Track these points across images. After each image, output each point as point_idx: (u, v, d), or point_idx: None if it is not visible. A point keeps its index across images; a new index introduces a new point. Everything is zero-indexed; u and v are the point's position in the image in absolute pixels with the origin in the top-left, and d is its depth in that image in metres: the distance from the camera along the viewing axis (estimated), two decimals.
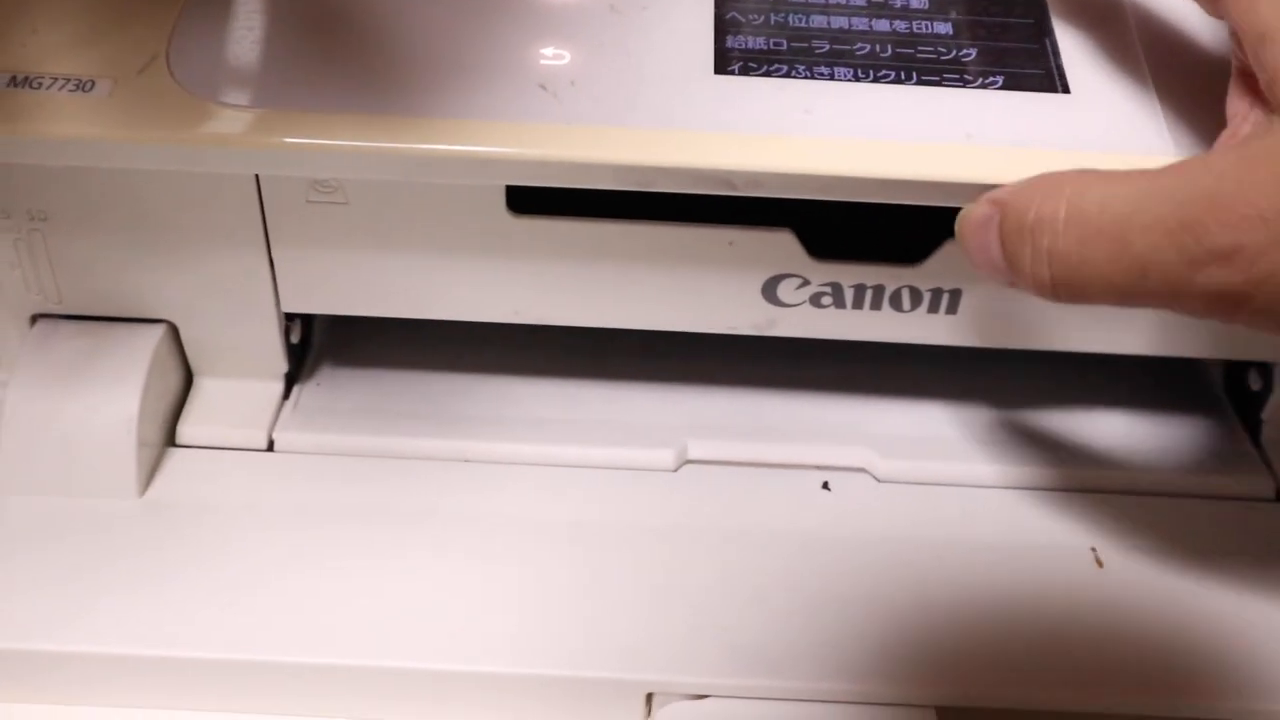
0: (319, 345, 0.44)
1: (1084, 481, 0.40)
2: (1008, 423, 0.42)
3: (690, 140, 0.33)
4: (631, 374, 0.43)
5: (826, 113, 0.34)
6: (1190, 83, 0.35)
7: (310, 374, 0.43)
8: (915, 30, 0.36)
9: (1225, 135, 0.31)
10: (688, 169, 0.33)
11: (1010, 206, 0.28)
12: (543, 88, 0.34)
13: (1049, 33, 0.36)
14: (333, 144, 0.33)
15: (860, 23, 0.36)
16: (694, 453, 0.40)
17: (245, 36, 0.35)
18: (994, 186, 0.33)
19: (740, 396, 0.43)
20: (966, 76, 0.35)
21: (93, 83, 0.34)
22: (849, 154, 0.33)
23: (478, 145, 0.33)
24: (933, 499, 0.40)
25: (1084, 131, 0.34)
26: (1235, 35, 0.29)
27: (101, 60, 0.35)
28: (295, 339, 0.41)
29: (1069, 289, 0.27)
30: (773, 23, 0.36)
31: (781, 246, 0.37)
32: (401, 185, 0.36)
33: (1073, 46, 0.36)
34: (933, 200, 0.34)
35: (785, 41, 0.36)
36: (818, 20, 0.36)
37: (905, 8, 0.37)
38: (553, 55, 0.35)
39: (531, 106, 0.34)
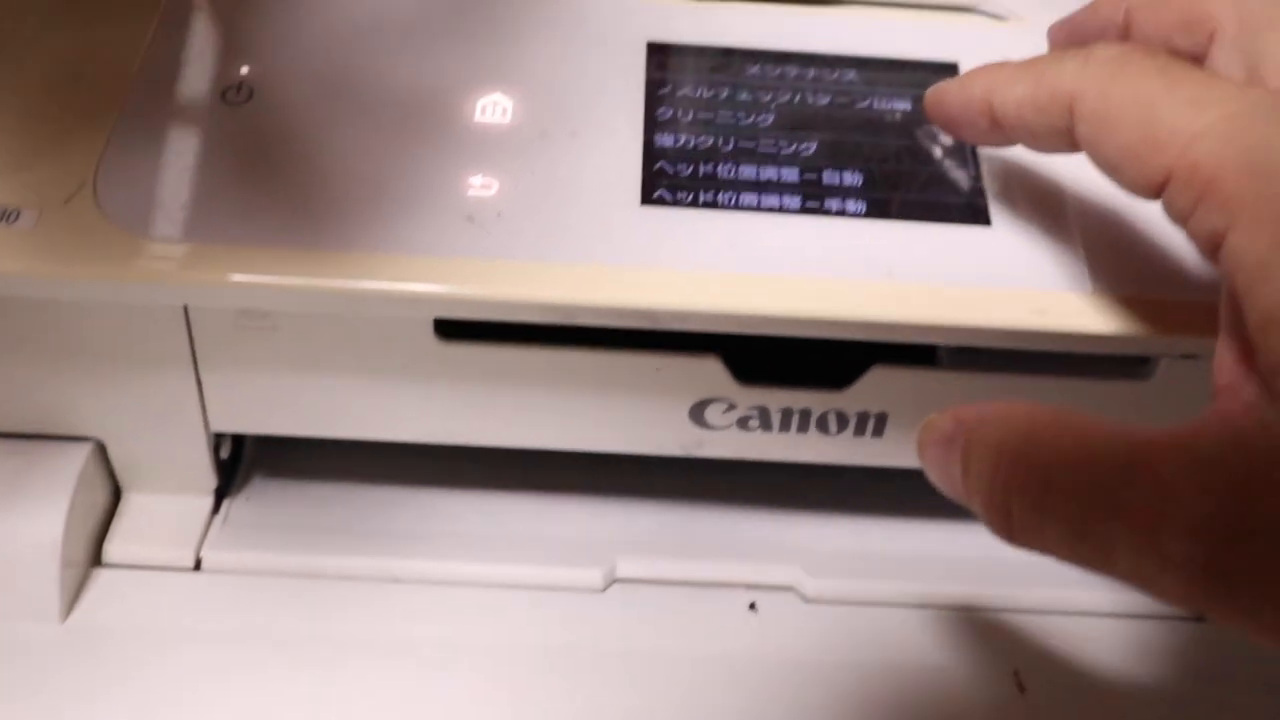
0: (250, 457, 0.43)
1: (1009, 601, 0.41)
2: (934, 539, 0.42)
3: (614, 276, 0.34)
4: (562, 485, 0.43)
5: (750, 247, 0.34)
6: (1112, 220, 0.35)
7: (241, 487, 0.42)
8: (837, 164, 0.37)
9: (1215, 408, 0.26)
10: (611, 308, 0.34)
11: (975, 436, 0.27)
12: (470, 220, 0.35)
13: (973, 162, 0.37)
14: (260, 281, 0.33)
15: (787, 148, 0.37)
16: (623, 571, 0.41)
17: (173, 165, 0.35)
18: (914, 326, 0.34)
19: (670, 509, 0.43)
20: (891, 207, 0.36)
21: (18, 213, 0.34)
22: (770, 292, 0.34)
23: (404, 283, 0.33)
24: (858, 619, 0.40)
25: (1004, 268, 0.35)
26: (1232, 295, 0.26)
27: (26, 189, 0.35)
28: (225, 455, 0.41)
29: (1028, 547, 0.26)
30: (701, 149, 0.37)
31: (708, 372, 0.38)
32: (331, 314, 0.36)
33: (996, 177, 0.36)
34: (856, 336, 0.35)
35: (714, 168, 0.36)
36: (745, 144, 0.37)
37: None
38: (481, 185, 0.35)
39: (459, 240, 0.34)
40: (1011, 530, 0.26)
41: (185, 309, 0.36)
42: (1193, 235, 0.26)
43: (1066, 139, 0.29)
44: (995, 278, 0.34)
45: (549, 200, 0.35)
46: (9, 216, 0.34)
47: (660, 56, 0.39)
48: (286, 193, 0.35)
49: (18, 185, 0.35)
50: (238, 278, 0.33)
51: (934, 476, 0.29)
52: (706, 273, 0.34)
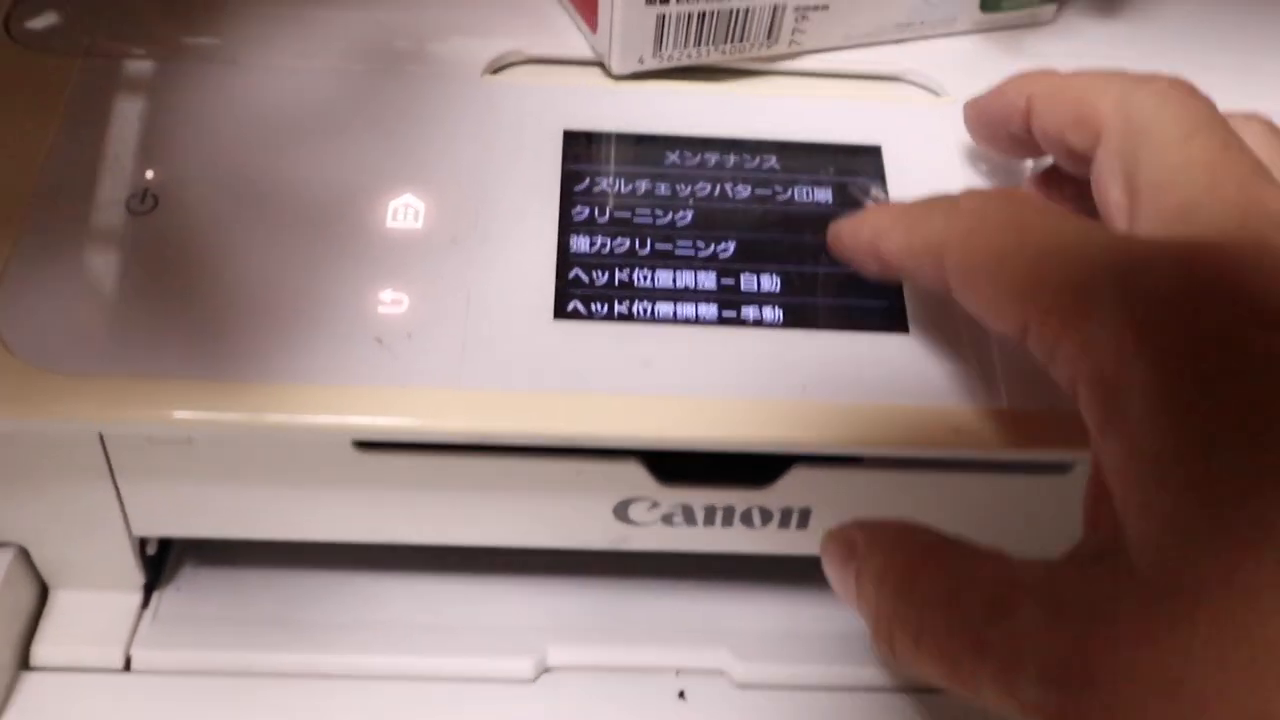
0: (180, 545, 0.43)
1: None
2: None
3: (526, 403, 0.33)
4: (494, 565, 0.43)
5: (665, 364, 0.34)
6: None
7: (171, 577, 0.42)
8: (756, 268, 0.36)
9: (1076, 545, 0.27)
10: (523, 434, 0.33)
11: (865, 562, 0.28)
12: (379, 341, 0.34)
13: None
14: (173, 416, 0.33)
15: (705, 249, 0.36)
16: (553, 659, 0.41)
17: (77, 288, 0.34)
18: (828, 446, 0.34)
19: (600, 588, 0.43)
20: (808, 314, 0.35)
21: None
22: (685, 415, 0.33)
23: (314, 415, 0.33)
24: (787, 703, 0.40)
25: (920, 382, 0.34)
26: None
27: None
28: (152, 551, 0.41)
29: (911, 674, 0.27)
30: (617, 254, 0.36)
31: (630, 475, 0.37)
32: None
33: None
34: (773, 451, 0.34)
35: (629, 275, 0.36)
36: (663, 246, 0.36)
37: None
38: (390, 301, 0.35)
39: (368, 365, 0.34)
40: (895, 657, 0.27)
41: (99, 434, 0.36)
42: (1057, 380, 0.27)
43: (944, 284, 0.29)
44: (911, 392, 0.34)
45: (459, 317, 0.34)
46: None
47: (577, 146, 0.38)
48: (195, 316, 0.34)
49: None
50: (150, 414, 0.33)
51: (832, 583, 0.30)
52: (621, 396, 0.34)
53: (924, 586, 0.26)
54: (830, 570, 0.30)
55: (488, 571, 0.43)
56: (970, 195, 0.29)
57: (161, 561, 0.42)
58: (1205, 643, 0.21)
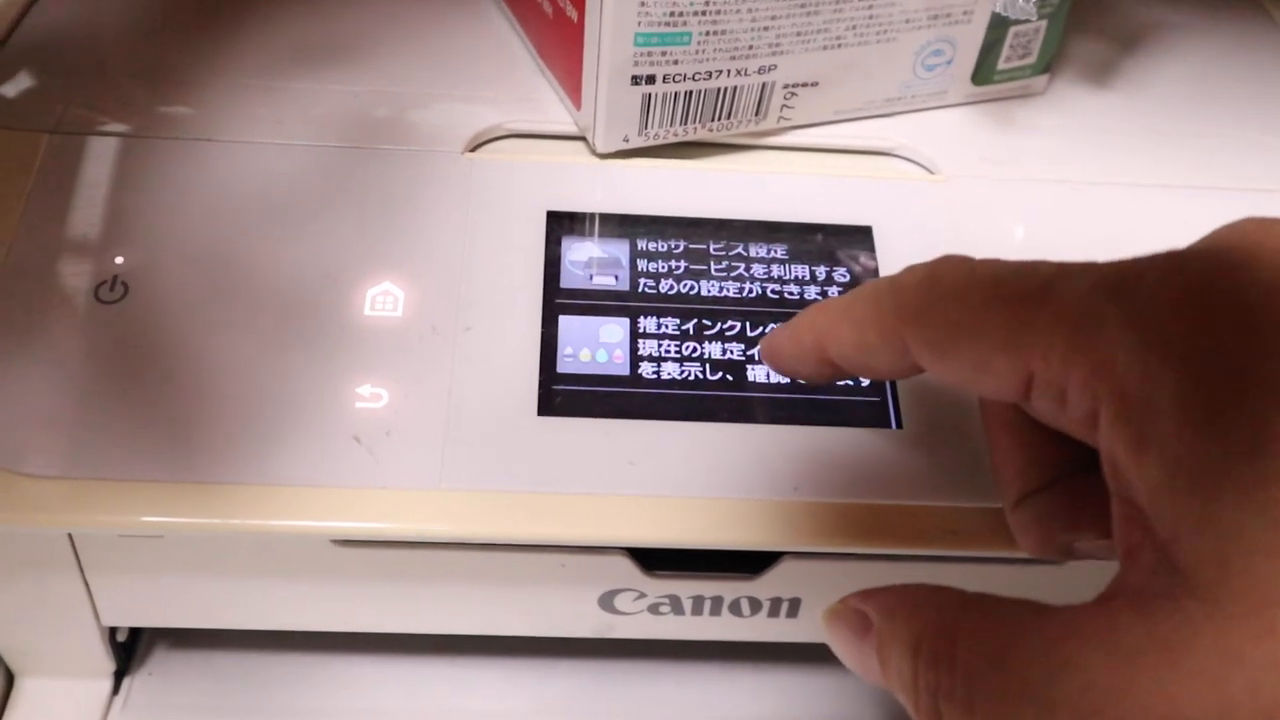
0: (152, 629, 0.42)
1: None
2: (850, 691, 0.42)
3: (508, 504, 0.32)
4: (476, 649, 0.42)
5: (650, 464, 0.33)
6: None
7: (142, 662, 0.41)
8: (747, 358, 0.35)
9: (1124, 579, 0.25)
10: (505, 538, 0.32)
11: (888, 632, 0.25)
12: (357, 440, 0.33)
13: None
14: (142, 520, 0.32)
15: (691, 347, 0.35)
16: None
17: (46, 386, 0.33)
18: (821, 551, 0.33)
19: (586, 670, 0.42)
20: (799, 409, 0.34)
21: None
22: (672, 517, 0.32)
23: (289, 519, 0.32)
24: None
25: (914, 479, 0.33)
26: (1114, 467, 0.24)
27: None
28: (123, 638, 0.40)
29: None
30: (600, 343, 0.35)
31: (615, 566, 0.36)
32: None
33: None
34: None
35: (613, 370, 0.35)
36: (647, 346, 0.35)
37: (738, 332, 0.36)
38: (369, 396, 0.34)
39: (346, 465, 0.33)
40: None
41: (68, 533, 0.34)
42: (1070, 421, 0.25)
43: (911, 367, 0.27)
44: (904, 491, 0.33)
45: (440, 413, 0.33)
46: None
47: (560, 228, 0.37)
48: (165, 414, 0.33)
49: None
50: (120, 519, 0.32)
51: (850, 665, 0.27)
52: (606, 497, 0.33)
53: (967, 650, 0.24)
54: (843, 649, 0.27)
55: (469, 653, 0.42)
56: (908, 270, 0.27)
57: (133, 646, 0.41)
58: None
